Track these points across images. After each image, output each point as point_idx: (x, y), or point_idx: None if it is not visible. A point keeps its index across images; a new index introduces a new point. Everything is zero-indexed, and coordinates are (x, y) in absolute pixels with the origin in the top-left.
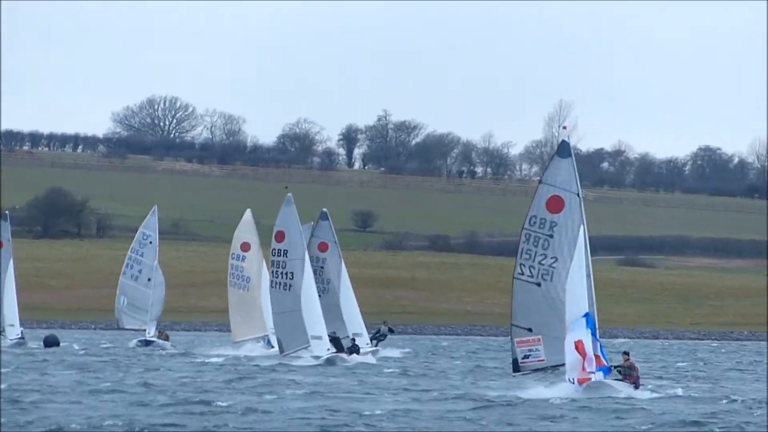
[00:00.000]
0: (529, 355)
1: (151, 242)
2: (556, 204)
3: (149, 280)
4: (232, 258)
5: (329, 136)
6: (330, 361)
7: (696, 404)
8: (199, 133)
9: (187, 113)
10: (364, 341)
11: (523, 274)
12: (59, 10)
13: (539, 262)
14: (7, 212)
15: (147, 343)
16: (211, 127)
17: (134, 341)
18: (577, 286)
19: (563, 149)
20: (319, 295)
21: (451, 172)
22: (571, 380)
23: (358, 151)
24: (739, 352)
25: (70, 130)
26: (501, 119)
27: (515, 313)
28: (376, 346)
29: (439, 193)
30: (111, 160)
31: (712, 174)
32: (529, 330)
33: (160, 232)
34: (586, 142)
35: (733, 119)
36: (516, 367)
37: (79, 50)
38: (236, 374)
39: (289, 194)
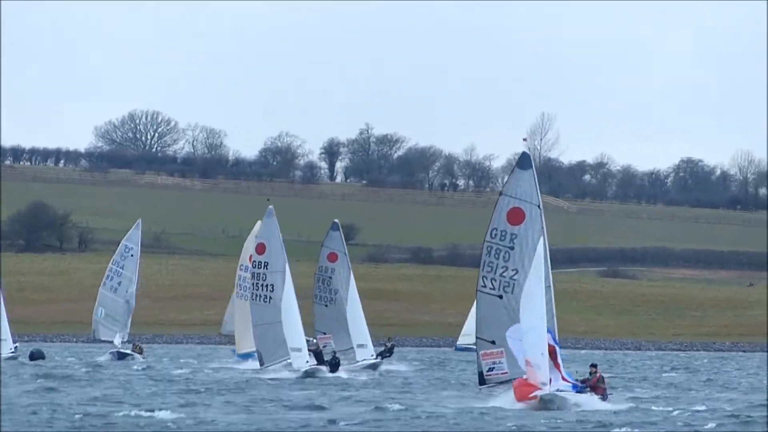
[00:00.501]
0: (494, 368)
1: (132, 255)
2: (516, 216)
3: (127, 291)
4: (241, 269)
5: (311, 149)
6: (309, 374)
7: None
8: (181, 147)
9: (168, 127)
10: (368, 352)
11: (485, 286)
12: (39, 25)
13: (501, 275)
14: None
15: (122, 356)
16: (193, 141)
17: (107, 354)
18: (532, 296)
19: (524, 161)
20: (326, 305)
21: (433, 185)
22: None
23: (340, 165)
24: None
25: (51, 144)
26: (483, 132)
27: (479, 325)
28: (380, 359)
29: (421, 206)
30: (93, 174)
31: (694, 186)
32: (493, 342)
33: (141, 245)
34: (568, 154)
35: (715, 131)
36: (482, 380)
37: (60, 64)
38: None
39: (270, 206)
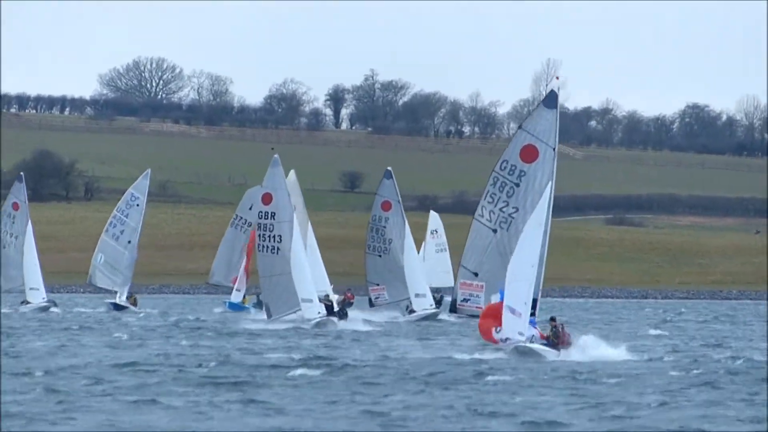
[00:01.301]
0: (469, 299)
1: (138, 204)
2: (529, 153)
3: (129, 242)
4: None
5: (316, 96)
6: (320, 324)
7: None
8: (186, 95)
9: (173, 74)
10: (427, 302)
11: (483, 216)
12: None
13: (500, 209)
14: (21, 174)
15: (118, 307)
16: (198, 88)
17: (104, 304)
18: (528, 243)
19: (550, 99)
20: (379, 255)
21: (438, 132)
22: (502, 339)
23: (345, 112)
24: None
25: (57, 92)
26: (488, 78)
27: (466, 253)
28: (438, 308)
29: (426, 153)
30: (98, 122)
31: (700, 131)
32: (475, 274)
33: (147, 194)
34: (573, 100)
35: (720, 77)
36: (453, 308)
37: (65, 13)
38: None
39: (276, 155)
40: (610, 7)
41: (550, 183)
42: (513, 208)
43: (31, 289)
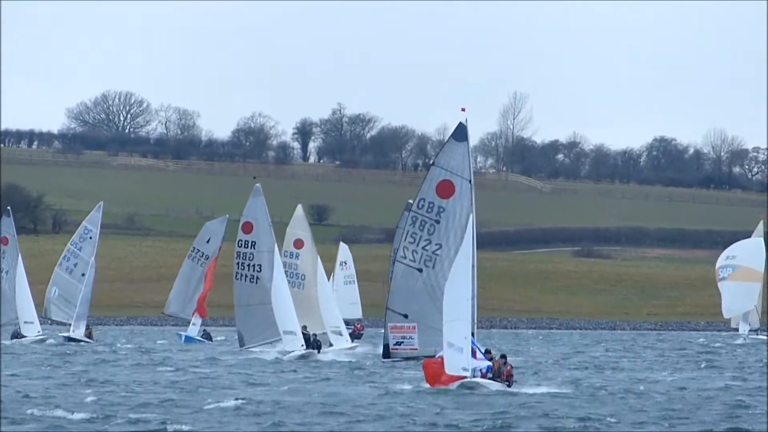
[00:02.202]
0: (402, 342)
1: (91, 237)
2: (446, 189)
3: (83, 275)
4: (285, 256)
5: (284, 130)
6: (303, 357)
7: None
8: (154, 128)
9: (141, 108)
10: (343, 341)
11: (405, 257)
12: (11, 7)
13: (423, 248)
14: (9, 208)
15: (72, 340)
16: (166, 122)
17: (59, 336)
18: (459, 277)
19: (459, 132)
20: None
21: (406, 165)
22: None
23: (312, 145)
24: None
25: (24, 126)
26: (455, 111)
27: (392, 297)
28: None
29: (394, 186)
30: (66, 155)
31: (667, 165)
32: (405, 316)
33: (115, 227)
34: (541, 134)
35: (687, 110)
36: (386, 353)
37: (32, 46)
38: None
39: (258, 185)
40: (576, 41)
41: (471, 216)
42: (436, 245)
43: (25, 323)
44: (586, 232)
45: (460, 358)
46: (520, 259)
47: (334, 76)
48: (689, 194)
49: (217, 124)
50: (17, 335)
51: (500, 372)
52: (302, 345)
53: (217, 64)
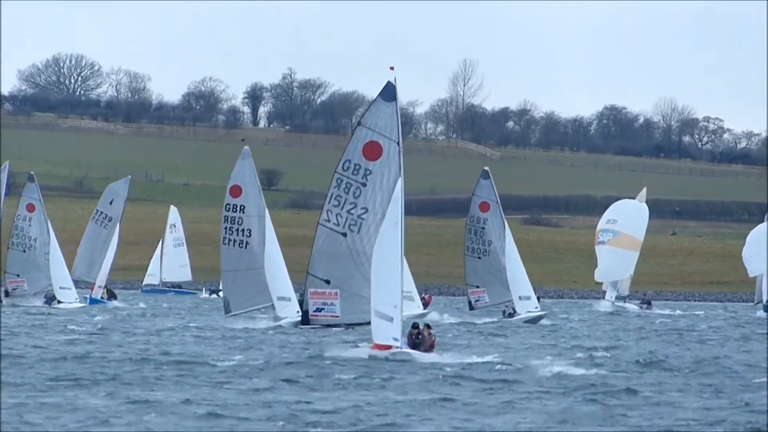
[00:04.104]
0: (323, 308)
1: None
2: (373, 150)
3: None
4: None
5: (234, 94)
6: (298, 324)
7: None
8: (105, 91)
9: (92, 71)
10: (532, 304)
11: (329, 221)
12: None
13: (348, 211)
14: (32, 173)
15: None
16: (117, 85)
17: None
18: (387, 243)
19: (387, 92)
20: (479, 258)
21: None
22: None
23: (263, 110)
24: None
25: None
26: (406, 78)
27: (314, 261)
28: (544, 312)
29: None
30: (17, 117)
31: (617, 133)
32: (327, 282)
33: (64, 189)
34: (491, 101)
35: (638, 79)
36: (305, 320)
37: None
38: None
39: (246, 147)
40: (527, 8)
41: (400, 179)
42: (362, 209)
43: (61, 288)
44: (535, 199)
45: (389, 327)
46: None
47: (285, 41)
48: (639, 163)
49: (168, 88)
50: (52, 299)
51: (424, 342)
52: (297, 311)
53: (168, 27)
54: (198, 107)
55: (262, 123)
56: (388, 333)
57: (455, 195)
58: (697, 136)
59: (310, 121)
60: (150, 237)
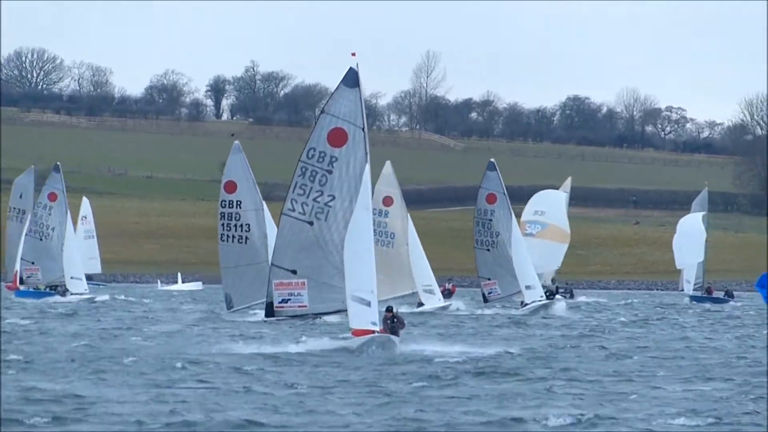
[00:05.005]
0: (289, 299)
1: None
2: (338, 137)
3: None
4: (373, 214)
5: (197, 87)
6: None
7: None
8: (67, 85)
9: (54, 65)
10: (537, 293)
11: (294, 210)
12: None
13: (314, 200)
14: (58, 163)
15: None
16: (79, 78)
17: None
18: (360, 229)
19: (350, 78)
20: (488, 249)
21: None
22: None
23: (225, 102)
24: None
25: None
26: (369, 69)
27: (278, 252)
28: (550, 300)
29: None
30: None
31: (580, 124)
32: (294, 272)
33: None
34: (454, 92)
35: (601, 69)
36: (270, 312)
37: None
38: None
39: (237, 142)
40: (490, 1)
41: (367, 165)
42: (329, 196)
43: (72, 278)
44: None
45: (367, 312)
46: (433, 217)
47: (247, 33)
48: (602, 153)
49: (131, 81)
50: (65, 292)
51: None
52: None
53: (130, 20)
54: (161, 100)
55: (225, 116)
56: (367, 317)
57: (418, 186)
58: (659, 126)
59: (273, 113)
60: (115, 231)
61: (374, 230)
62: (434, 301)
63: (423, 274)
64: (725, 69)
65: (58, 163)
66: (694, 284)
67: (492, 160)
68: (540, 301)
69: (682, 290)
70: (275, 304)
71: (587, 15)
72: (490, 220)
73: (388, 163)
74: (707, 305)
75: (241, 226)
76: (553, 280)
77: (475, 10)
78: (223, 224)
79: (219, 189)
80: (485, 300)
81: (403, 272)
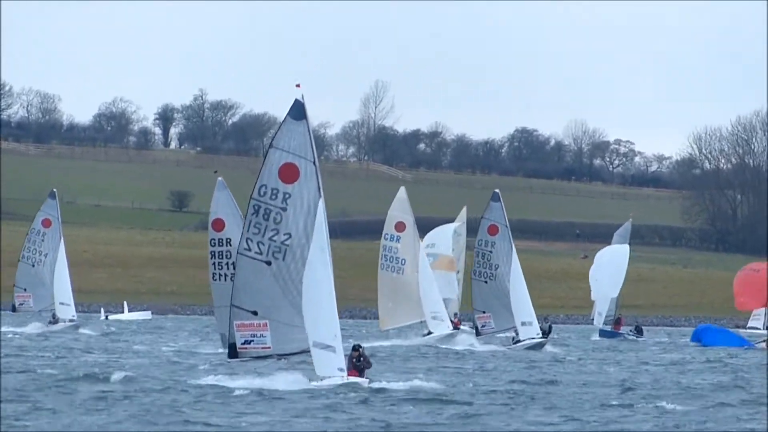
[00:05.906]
0: (252, 340)
1: None
2: (290, 173)
3: None
4: (385, 239)
5: (146, 115)
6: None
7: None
8: (15, 112)
9: (2, 91)
10: (534, 331)
11: (250, 250)
12: None
13: (270, 238)
14: (54, 190)
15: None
16: (27, 105)
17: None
18: (316, 270)
19: (296, 110)
20: (485, 282)
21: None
22: (320, 378)
23: (174, 131)
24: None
25: None
26: (317, 99)
27: (238, 292)
28: (545, 338)
29: (254, 174)
30: None
31: (528, 156)
32: (255, 313)
33: None
34: (402, 123)
35: (548, 101)
36: (233, 353)
37: None
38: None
39: (220, 178)
40: (438, 30)
41: (321, 201)
42: (285, 234)
43: (61, 303)
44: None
45: (332, 358)
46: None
47: (195, 62)
48: (550, 186)
49: (79, 109)
50: (53, 319)
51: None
52: None
53: (79, 47)
54: (109, 128)
55: (173, 144)
56: (333, 364)
57: (367, 217)
58: (608, 159)
59: (222, 142)
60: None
61: (385, 255)
62: (442, 327)
63: (431, 301)
64: (674, 103)
65: (54, 189)
66: (606, 317)
67: (496, 190)
68: (535, 339)
69: (592, 321)
70: (238, 345)
71: (535, 44)
72: (491, 251)
73: (402, 189)
74: (612, 341)
75: (233, 264)
76: (545, 319)
77: (422, 38)
78: (214, 263)
79: (168, 217)
80: (477, 333)
81: (411, 300)
